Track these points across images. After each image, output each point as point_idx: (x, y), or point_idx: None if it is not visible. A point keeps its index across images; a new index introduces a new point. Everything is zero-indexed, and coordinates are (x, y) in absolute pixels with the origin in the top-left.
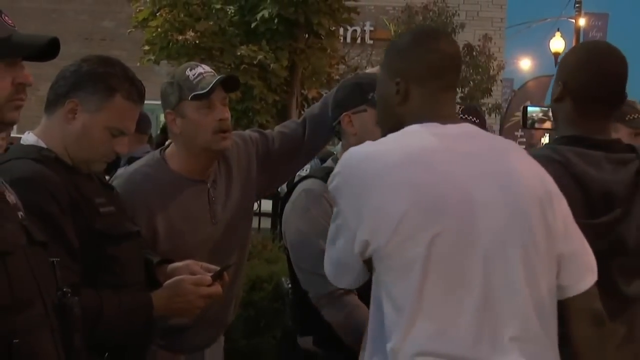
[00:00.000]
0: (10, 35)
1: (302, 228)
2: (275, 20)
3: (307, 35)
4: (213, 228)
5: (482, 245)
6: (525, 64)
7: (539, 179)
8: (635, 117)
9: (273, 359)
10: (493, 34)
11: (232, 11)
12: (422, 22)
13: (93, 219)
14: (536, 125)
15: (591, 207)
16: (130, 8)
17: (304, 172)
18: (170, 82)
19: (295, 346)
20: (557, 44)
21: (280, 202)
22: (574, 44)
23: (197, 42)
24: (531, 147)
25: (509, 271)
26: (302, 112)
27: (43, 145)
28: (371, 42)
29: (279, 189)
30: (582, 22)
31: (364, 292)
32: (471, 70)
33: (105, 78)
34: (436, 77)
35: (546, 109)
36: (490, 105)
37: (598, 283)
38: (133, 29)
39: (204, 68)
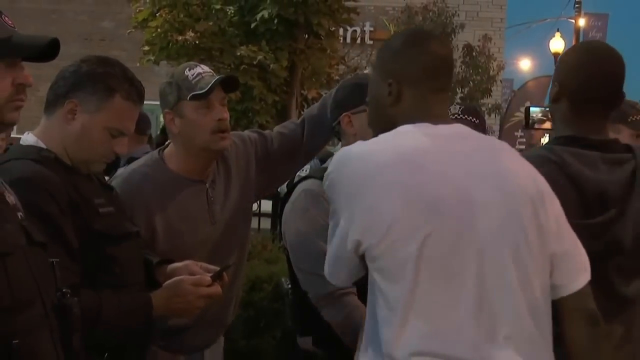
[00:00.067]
0: (11, 36)
1: (302, 228)
2: (275, 21)
3: (306, 36)
4: (212, 228)
5: (477, 245)
6: (525, 64)
7: (531, 179)
8: (638, 118)
9: (273, 359)
10: (493, 34)
11: (232, 11)
12: (422, 22)
13: (92, 219)
14: (536, 126)
15: (586, 208)
16: (130, 8)
17: (303, 172)
18: (169, 82)
19: (295, 346)
20: (557, 44)
21: (280, 203)
22: (573, 44)
23: (197, 42)
24: (531, 147)
25: (503, 271)
26: (302, 113)
27: (42, 145)
28: (371, 42)
29: (278, 189)
30: (581, 22)
31: (364, 292)
32: (471, 71)
33: (104, 78)
34: (429, 78)
35: (546, 109)
36: (490, 105)
37: (595, 283)
38: (133, 30)
39: (202, 68)
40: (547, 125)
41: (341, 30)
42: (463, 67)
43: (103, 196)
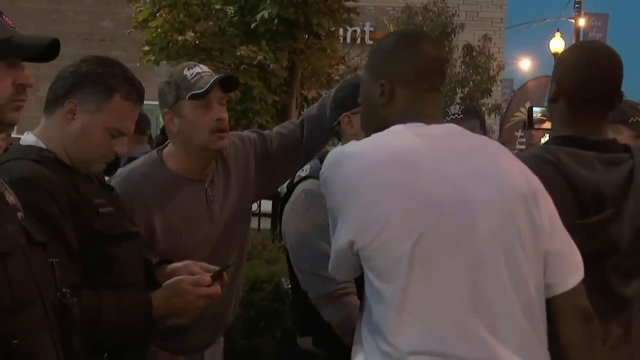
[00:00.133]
0: (11, 36)
1: (302, 228)
2: (275, 21)
3: (306, 36)
4: (211, 227)
5: (474, 244)
6: (525, 65)
7: (523, 178)
8: (638, 119)
9: (273, 359)
10: (493, 34)
11: (232, 12)
12: (422, 22)
13: (92, 219)
14: (535, 126)
15: (582, 208)
16: (130, 8)
17: (303, 172)
18: (167, 82)
19: (295, 346)
20: (557, 44)
21: (280, 203)
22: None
23: (197, 42)
24: (531, 147)
25: (498, 271)
26: (302, 113)
27: (42, 145)
28: (371, 42)
29: (278, 190)
30: (582, 22)
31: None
32: (471, 71)
33: (104, 78)
34: (422, 79)
35: (546, 109)
36: (490, 105)
37: (593, 284)
38: (133, 30)
39: (201, 68)
40: (547, 125)
41: (341, 30)
42: (463, 67)
43: (103, 196)
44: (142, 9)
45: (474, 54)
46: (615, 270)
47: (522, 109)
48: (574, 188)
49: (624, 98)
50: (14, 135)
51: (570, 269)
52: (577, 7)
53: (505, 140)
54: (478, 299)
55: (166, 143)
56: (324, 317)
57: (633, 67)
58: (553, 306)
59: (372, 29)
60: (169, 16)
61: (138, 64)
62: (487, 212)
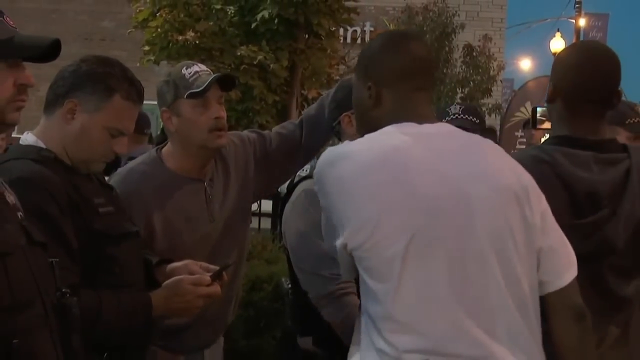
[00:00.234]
0: (13, 36)
1: (302, 228)
2: (275, 21)
3: (307, 36)
4: (211, 226)
5: (467, 242)
6: (526, 65)
7: (515, 175)
8: (636, 121)
9: (273, 359)
10: (493, 34)
11: (232, 11)
12: (422, 22)
13: (92, 219)
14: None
15: (577, 208)
16: (130, 8)
17: (303, 172)
18: (166, 81)
19: (295, 346)
20: (557, 44)
21: (280, 203)
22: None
23: (197, 42)
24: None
25: (491, 269)
26: (302, 113)
27: (42, 145)
28: None
29: (279, 189)
30: (582, 22)
31: None
32: (471, 71)
33: (104, 78)
34: (406, 79)
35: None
36: (490, 105)
37: (590, 284)
38: (133, 29)
39: (200, 67)
40: (547, 125)
41: (341, 30)
42: (463, 67)
43: (103, 196)
44: (142, 8)
45: (474, 54)
46: (612, 270)
47: (523, 109)
48: (569, 188)
49: (622, 98)
50: (14, 135)
51: (563, 267)
52: (577, 7)
53: (505, 140)
54: (472, 297)
55: (165, 142)
56: (324, 317)
57: (633, 67)
58: (546, 304)
59: (372, 29)
60: (169, 16)
61: (138, 64)
62: (483, 210)
